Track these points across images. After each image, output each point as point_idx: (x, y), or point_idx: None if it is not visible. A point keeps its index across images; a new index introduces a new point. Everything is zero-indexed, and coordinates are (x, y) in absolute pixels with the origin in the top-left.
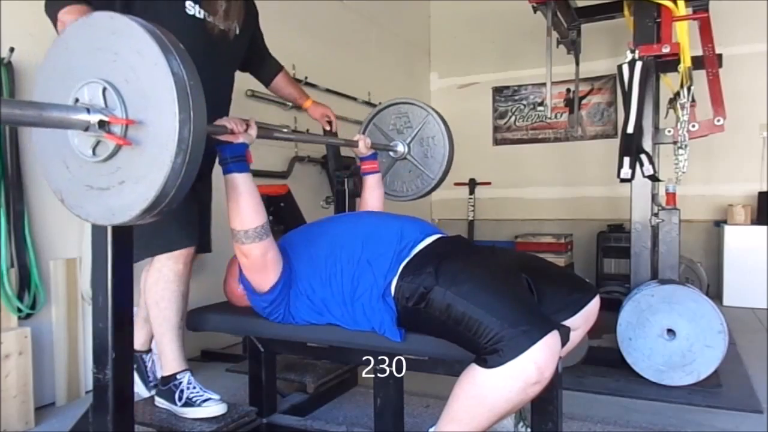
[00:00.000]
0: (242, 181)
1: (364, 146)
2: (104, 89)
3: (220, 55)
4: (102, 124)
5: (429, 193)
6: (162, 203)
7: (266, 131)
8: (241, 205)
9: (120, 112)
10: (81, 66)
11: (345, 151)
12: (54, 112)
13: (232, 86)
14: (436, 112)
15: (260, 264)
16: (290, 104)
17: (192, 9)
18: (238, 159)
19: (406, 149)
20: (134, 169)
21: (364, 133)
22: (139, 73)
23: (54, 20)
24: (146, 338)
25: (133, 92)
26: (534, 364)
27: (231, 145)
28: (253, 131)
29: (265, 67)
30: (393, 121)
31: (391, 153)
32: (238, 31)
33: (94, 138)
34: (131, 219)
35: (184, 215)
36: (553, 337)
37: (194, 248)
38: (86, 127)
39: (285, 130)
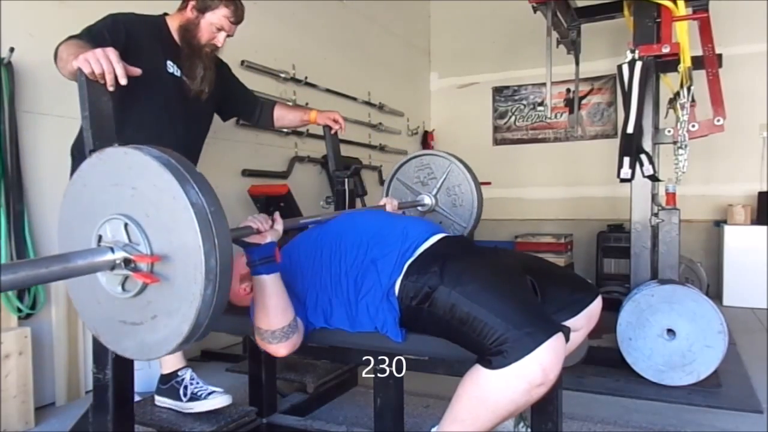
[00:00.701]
0: (271, 282)
1: (391, 209)
2: (126, 225)
3: (194, 111)
4: (128, 262)
5: None
6: (197, 334)
7: (292, 221)
8: (269, 307)
9: (144, 246)
10: (100, 202)
11: (345, 151)
12: (79, 261)
13: (204, 138)
14: (459, 160)
15: (286, 353)
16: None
17: (171, 68)
18: (267, 261)
19: (434, 201)
20: (165, 303)
21: (387, 191)
22: (159, 207)
23: (56, 59)
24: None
25: (155, 226)
26: (539, 366)
27: (259, 246)
28: (279, 226)
29: (259, 111)
30: (416, 174)
31: (419, 207)
32: (207, 92)
33: (122, 275)
34: (168, 353)
35: None
36: (557, 340)
37: None
38: (112, 267)
39: (311, 219)
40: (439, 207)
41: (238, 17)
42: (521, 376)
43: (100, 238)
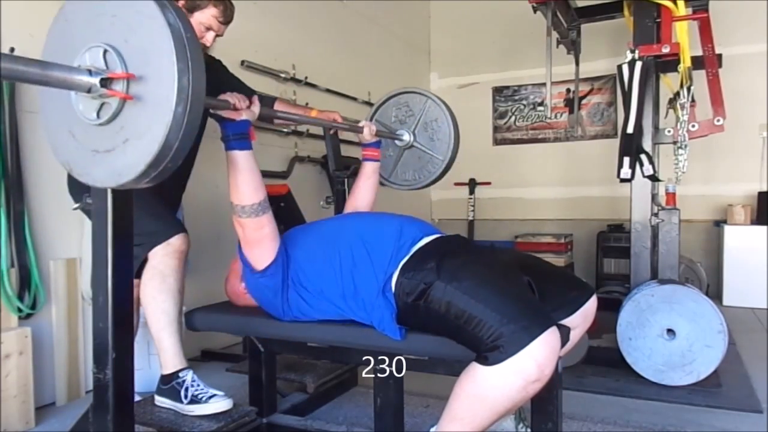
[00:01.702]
0: (243, 158)
1: (368, 133)
2: (105, 51)
3: None
4: (104, 83)
5: (441, 176)
6: (166, 157)
7: (269, 111)
8: (239, 182)
9: (121, 70)
10: (81, 34)
11: (345, 151)
12: (56, 71)
13: (200, 136)
14: (436, 96)
15: (255, 238)
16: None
17: None
18: (240, 136)
19: (412, 137)
20: (137, 125)
21: None
22: (138, 31)
23: None
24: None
25: (132, 50)
26: (534, 362)
27: (234, 122)
28: (256, 108)
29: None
30: (394, 113)
31: (396, 142)
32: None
33: (98, 101)
34: (137, 176)
35: (152, 210)
36: (552, 334)
37: (186, 243)
38: (89, 89)
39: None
40: (417, 143)
41: (227, 17)
42: (517, 372)
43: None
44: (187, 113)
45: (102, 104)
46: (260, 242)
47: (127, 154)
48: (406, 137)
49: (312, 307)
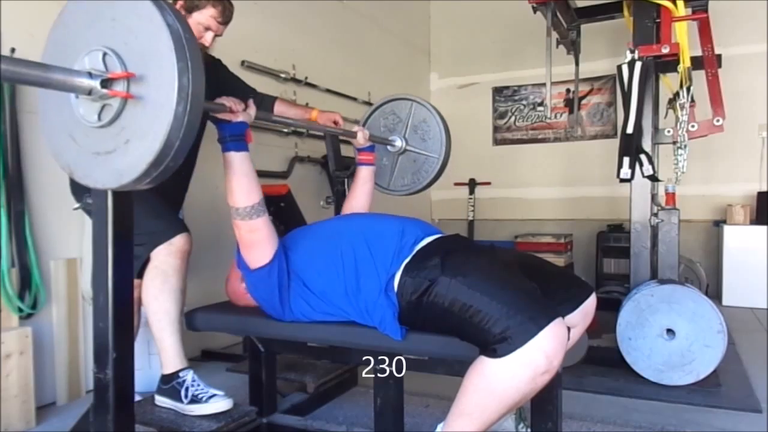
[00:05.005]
0: (239, 160)
1: (362, 138)
2: (104, 54)
3: None
4: (105, 84)
5: (439, 174)
6: (167, 156)
7: (265, 114)
8: (234, 184)
9: (121, 71)
10: (80, 38)
11: (345, 151)
12: (58, 74)
13: (200, 136)
14: (418, 97)
15: (250, 240)
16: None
17: None
18: (236, 138)
19: (403, 142)
20: (138, 125)
21: None
22: (137, 33)
23: None
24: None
25: (132, 52)
26: (542, 353)
27: (230, 123)
28: (252, 110)
29: (258, 105)
30: (383, 123)
31: (389, 148)
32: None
33: (99, 103)
34: (139, 176)
35: (154, 210)
36: (559, 325)
37: (188, 243)
38: (90, 91)
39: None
40: (410, 146)
41: (225, 17)
42: (526, 364)
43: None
44: (188, 112)
45: (103, 106)
46: (256, 244)
47: (129, 154)
48: (398, 142)
49: (314, 309)
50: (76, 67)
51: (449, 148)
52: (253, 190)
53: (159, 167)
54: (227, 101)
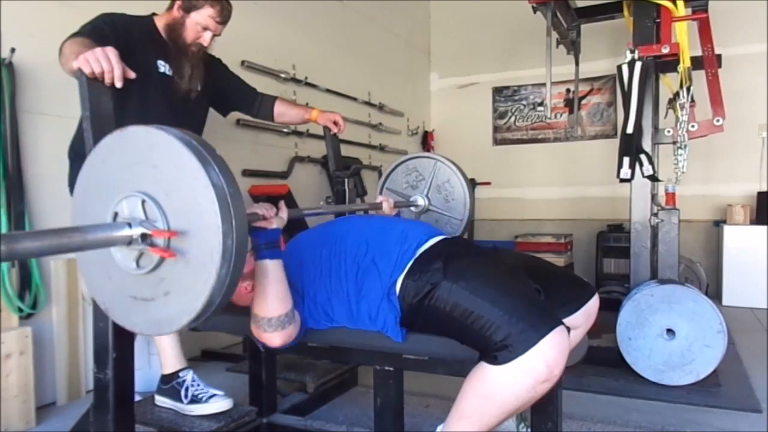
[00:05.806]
0: (273, 268)
1: (388, 207)
2: (143, 201)
3: (184, 110)
4: (144, 237)
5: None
6: (207, 312)
7: (297, 211)
8: (268, 292)
9: (161, 224)
10: (119, 180)
11: (345, 151)
12: (98, 233)
13: (200, 135)
14: (443, 157)
15: (282, 342)
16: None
17: (162, 67)
18: (271, 246)
19: (426, 201)
20: (179, 280)
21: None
22: (179, 186)
23: (60, 56)
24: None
25: (173, 204)
26: (543, 362)
27: (265, 231)
28: (285, 214)
29: (258, 103)
30: (405, 179)
31: (412, 208)
32: (199, 88)
33: (137, 251)
34: (177, 330)
35: None
36: (560, 333)
37: None
38: (129, 242)
39: (320, 204)
40: (433, 206)
41: (223, 17)
42: (526, 372)
43: (116, 215)
44: (230, 273)
45: (141, 253)
46: (288, 339)
47: (169, 307)
48: (421, 201)
49: (318, 323)
50: (112, 209)
51: (473, 210)
52: (288, 297)
53: (197, 321)
54: (260, 209)
